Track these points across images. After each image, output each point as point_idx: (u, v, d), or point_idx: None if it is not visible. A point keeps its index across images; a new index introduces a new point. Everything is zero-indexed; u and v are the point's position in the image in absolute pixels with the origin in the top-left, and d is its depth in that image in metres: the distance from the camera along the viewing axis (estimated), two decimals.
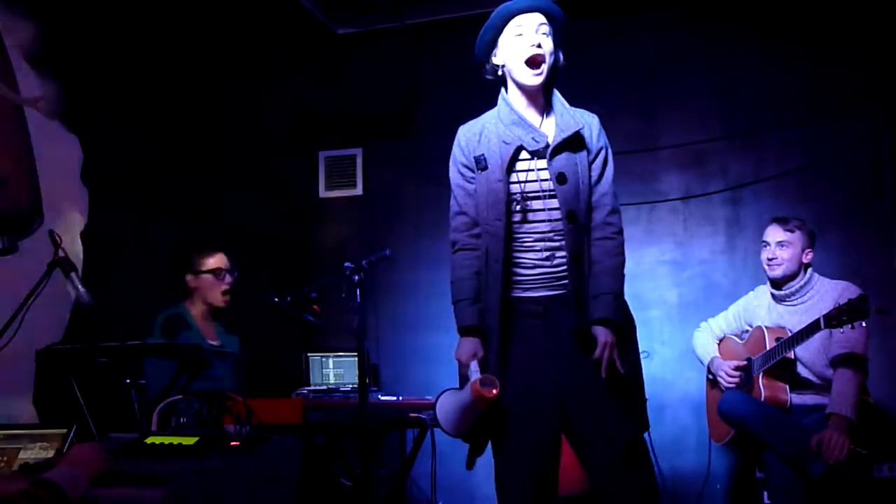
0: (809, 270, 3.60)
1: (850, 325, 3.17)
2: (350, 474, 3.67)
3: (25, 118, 3.60)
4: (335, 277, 3.20)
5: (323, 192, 5.54)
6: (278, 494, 2.23)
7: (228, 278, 3.77)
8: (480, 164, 2.63)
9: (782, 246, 3.56)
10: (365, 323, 3.08)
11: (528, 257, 2.60)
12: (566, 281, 2.58)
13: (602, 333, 2.52)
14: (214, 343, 3.75)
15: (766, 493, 3.50)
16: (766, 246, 3.62)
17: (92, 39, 3.84)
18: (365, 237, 5.26)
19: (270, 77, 5.15)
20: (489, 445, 2.68)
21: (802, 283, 3.57)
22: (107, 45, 3.92)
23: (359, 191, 5.48)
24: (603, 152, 2.64)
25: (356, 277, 3.08)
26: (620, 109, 4.89)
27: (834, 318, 3.18)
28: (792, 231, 3.57)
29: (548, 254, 2.58)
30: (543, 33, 2.57)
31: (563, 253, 2.56)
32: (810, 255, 3.59)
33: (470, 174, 2.68)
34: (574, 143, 2.59)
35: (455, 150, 2.73)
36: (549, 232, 2.58)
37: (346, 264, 3.12)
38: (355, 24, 5.36)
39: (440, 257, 5.30)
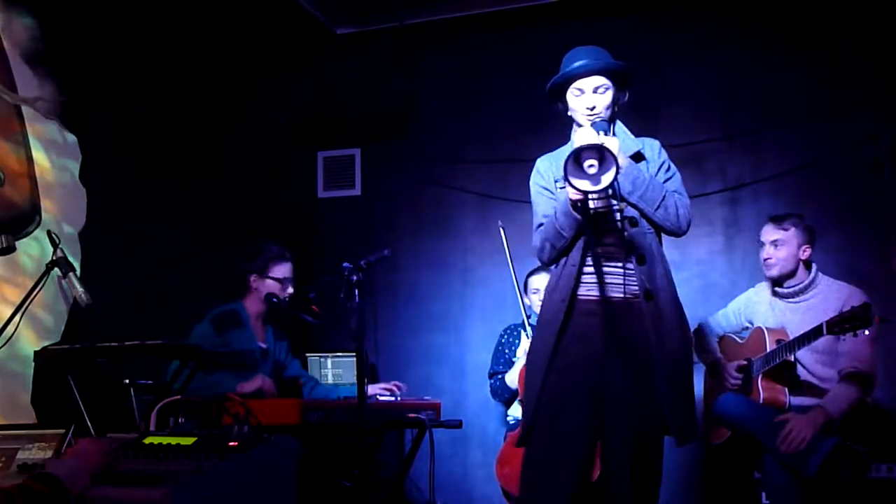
0: (813, 269, 3.58)
1: (852, 333, 3.17)
2: (348, 475, 3.67)
3: (24, 118, 3.60)
4: (334, 277, 3.20)
5: (322, 193, 5.55)
6: (277, 495, 2.23)
7: (290, 289, 3.81)
8: (559, 183, 2.87)
9: (776, 245, 3.56)
10: (363, 323, 3.08)
11: (598, 261, 2.81)
12: (633, 282, 2.77)
13: None
14: (262, 345, 3.81)
15: (763, 495, 3.50)
16: (762, 245, 3.62)
17: (91, 39, 3.84)
18: (363, 237, 5.25)
19: (269, 77, 5.15)
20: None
21: (806, 281, 3.56)
22: (106, 44, 3.92)
23: (357, 191, 5.48)
24: (665, 165, 2.90)
25: (355, 277, 3.08)
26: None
27: (836, 325, 3.18)
28: (786, 229, 3.56)
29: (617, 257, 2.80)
30: (600, 93, 2.85)
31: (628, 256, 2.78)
32: (808, 252, 3.58)
33: (550, 195, 2.94)
34: (641, 157, 2.88)
35: (534, 177, 3.00)
36: (615, 238, 2.81)
37: (345, 264, 3.12)
38: (354, 24, 5.36)
39: (439, 257, 5.32)
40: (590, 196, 2.67)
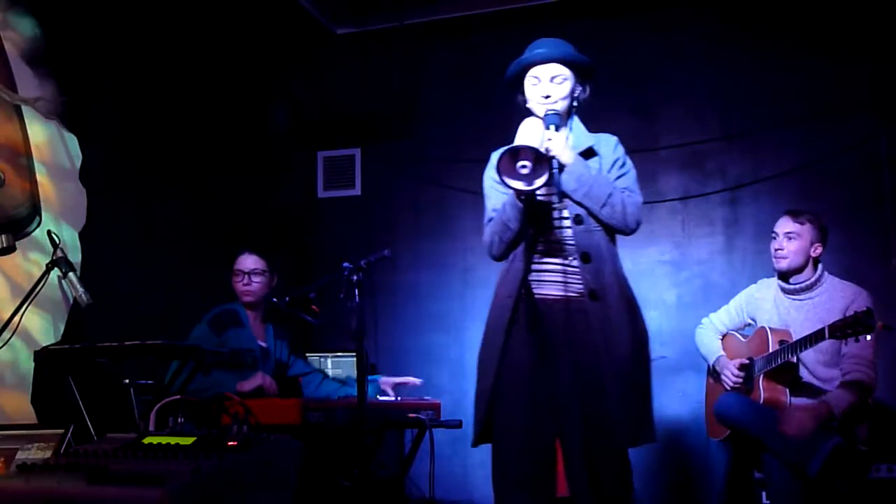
0: (820, 267, 3.57)
1: (854, 339, 3.18)
2: (348, 475, 3.66)
3: (24, 118, 3.60)
4: (334, 277, 3.19)
5: (322, 193, 5.54)
6: (276, 495, 2.23)
7: (246, 280, 3.79)
8: None
9: (790, 238, 3.54)
10: (363, 323, 3.08)
11: (544, 259, 2.74)
12: (578, 281, 2.69)
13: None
14: (262, 344, 3.80)
15: (764, 494, 3.49)
16: (774, 237, 3.59)
17: (91, 39, 3.85)
18: (363, 237, 5.25)
19: (269, 77, 5.16)
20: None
21: (812, 279, 3.55)
22: (106, 45, 3.92)
23: (357, 191, 5.47)
24: (619, 161, 2.82)
25: (355, 277, 3.08)
26: (619, 109, 4.88)
27: (839, 330, 3.18)
28: (802, 223, 3.54)
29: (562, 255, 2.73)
30: (558, 82, 2.78)
31: (574, 254, 2.70)
32: (819, 250, 3.56)
33: (503, 189, 2.83)
34: (586, 158, 2.78)
35: (488, 169, 2.92)
36: (561, 235, 2.73)
37: (345, 264, 3.12)
38: (354, 24, 5.35)
39: (439, 257, 5.32)
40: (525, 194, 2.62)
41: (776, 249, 3.56)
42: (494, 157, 2.91)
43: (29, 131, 3.61)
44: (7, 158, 3.50)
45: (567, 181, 2.67)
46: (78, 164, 3.82)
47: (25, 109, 3.60)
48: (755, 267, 4.53)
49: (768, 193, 4.66)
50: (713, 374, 3.84)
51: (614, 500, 2.64)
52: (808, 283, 3.55)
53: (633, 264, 4.88)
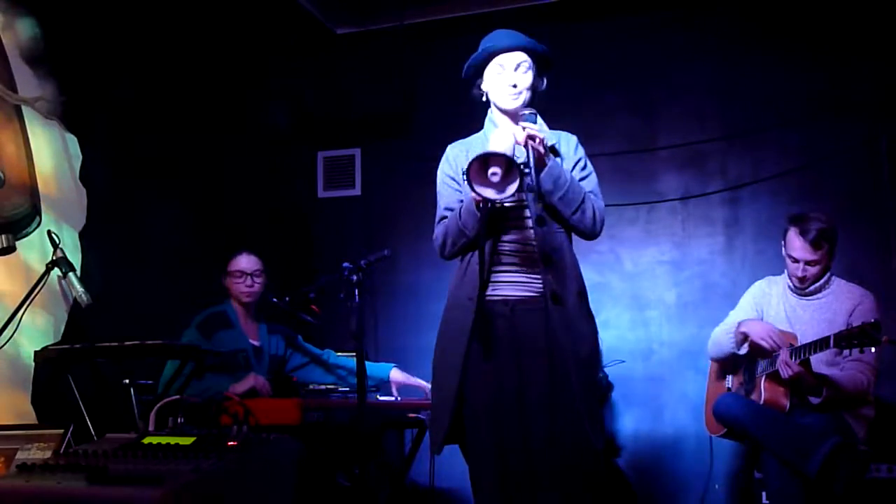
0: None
1: (858, 350, 3.18)
2: (348, 474, 3.67)
3: (24, 118, 3.60)
4: (334, 277, 3.20)
5: (322, 193, 5.54)
6: (276, 495, 2.23)
7: (249, 281, 3.79)
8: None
9: (813, 265, 3.53)
10: (363, 323, 3.08)
11: (504, 261, 2.68)
12: (539, 283, 2.64)
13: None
14: (255, 343, 3.79)
15: (763, 494, 3.49)
16: (794, 261, 3.54)
17: (91, 39, 3.85)
18: (363, 237, 5.25)
19: (269, 77, 5.15)
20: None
21: (822, 282, 3.56)
22: (106, 44, 3.92)
23: (357, 191, 5.47)
24: (581, 162, 2.76)
25: (355, 277, 3.08)
26: (619, 109, 4.89)
27: (844, 340, 3.17)
28: (822, 247, 3.51)
29: (523, 257, 2.66)
30: (522, 71, 2.75)
31: (535, 256, 2.64)
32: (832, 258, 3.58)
33: (457, 186, 2.81)
34: (555, 153, 2.72)
35: (443, 164, 2.89)
36: (523, 236, 2.67)
37: (345, 264, 3.12)
38: (354, 23, 5.35)
39: (439, 258, 5.30)
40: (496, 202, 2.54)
41: (799, 277, 3.53)
42: (450, 150, 2.88)
43: (29, 131, 3.61)
44: (7, 158, 3.50)
45: (545, 182, 2.60)
46: (78, 164, 3.82)
47: (25, 109, 3.60)
48: (755, 267, 4.53)
49: (768, 193, 4.66)
50: (719, 375, 3.83)
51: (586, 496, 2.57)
52: (817, 285, 3.56)
53: (633, 264, 4.94)
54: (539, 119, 2.74)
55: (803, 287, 3.56)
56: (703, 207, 4.81)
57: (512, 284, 2.67)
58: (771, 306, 3.68)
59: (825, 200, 4.47)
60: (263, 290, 3.85)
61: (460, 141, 2.90)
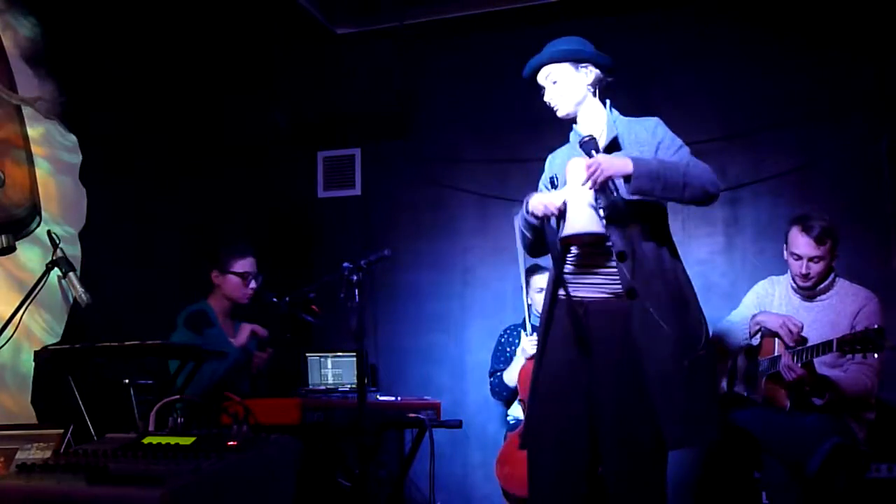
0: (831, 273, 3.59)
1: (861, 355, 3.18)
2: (348, 474, 3.67)
3: (24, 118, 3.60)
4: (334, 277, 3.19)
5: (322, 193, 5.54)
6: (276, 494, 2.23)
7: (254, 284, 3.80)
8: (553, 182, 2.87)
9: (816, 261, 3.52)
10: (363, 323, 3.08)
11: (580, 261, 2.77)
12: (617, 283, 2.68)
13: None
14: (233, 340, 3.79)
15: (763, 494, 3.49)
16: (797, 258, 3.54)
17: (91, 39, 3.84)
18: (363, 237, 5.25)
19: (269, 77, 5.15)
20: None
21: (826, 283, 3.55)
22: (106, 45, 3.92)
23: (357, 191, 5.47)
24: (664, 142, 2.80)
25: (355, 277, 3.08)
26: (619, 109, 4.87)
27: (847, 344, 3.17)
28: (825, 243, 3.51)
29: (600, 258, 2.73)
30: (550, 86, 2.84)
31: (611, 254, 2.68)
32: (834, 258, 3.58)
33: (544, 190, 2.93)
34: (616, 146, 2.78)
35: (544, 176, 3.01)
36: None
37: (345, 264, 3.12)
38: (354, 24, 5.35)
39: (439, 257, 5.32)
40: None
41: (803, 274, 3.52)
42: (549, 157, 3.00)
43: (29, 131, 3.61)
44: (7, 158, 3.50)
45: (641, 185, 2.59)
46: (78, 164, 3.82)
47: (25, 109, 3.60)
48: (755, 267, 4.53)
49: (768, 193, 4.66)
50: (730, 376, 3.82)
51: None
52: (822, 287, 3.55)
53: None
54: (606, 110, 2.84)
55: (807, 286, 3.54)
56: (702, 207, 4.78)
57: (588, 285, 2.73)
58: (773, 307, 3.68)
59: (825, 200, 4.47)
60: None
61: (558, 150, 3.01)
